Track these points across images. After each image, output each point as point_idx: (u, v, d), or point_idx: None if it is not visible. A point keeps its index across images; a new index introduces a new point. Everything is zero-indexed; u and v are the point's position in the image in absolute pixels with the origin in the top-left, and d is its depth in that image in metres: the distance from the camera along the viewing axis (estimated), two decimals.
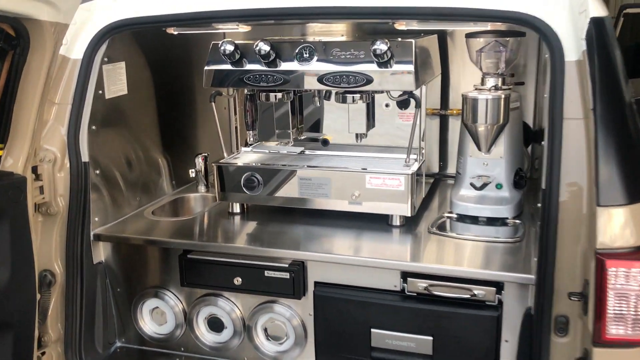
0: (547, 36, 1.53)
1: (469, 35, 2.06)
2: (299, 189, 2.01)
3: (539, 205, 1.60)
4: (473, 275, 1.67)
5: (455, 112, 2.46)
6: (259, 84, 1.96)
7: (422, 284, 1.73)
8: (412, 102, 1.97)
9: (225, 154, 2.15)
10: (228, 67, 1.98)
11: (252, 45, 1.91)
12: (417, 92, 1.92)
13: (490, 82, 2.02)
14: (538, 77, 2.36)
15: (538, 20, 1.53)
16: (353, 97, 1.93)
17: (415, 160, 2.03)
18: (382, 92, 1.94)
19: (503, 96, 1.90)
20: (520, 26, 1.60)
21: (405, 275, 1.75)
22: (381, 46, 1.78)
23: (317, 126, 2.29)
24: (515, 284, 1.67)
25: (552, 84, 1.53)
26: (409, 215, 1.94)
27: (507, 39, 2.00)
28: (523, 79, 2.29)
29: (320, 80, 1.89)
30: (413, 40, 1.86)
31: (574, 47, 1.51)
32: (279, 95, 2.01)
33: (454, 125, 2.51)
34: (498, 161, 2.02)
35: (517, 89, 2.10)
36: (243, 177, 2.06)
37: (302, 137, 2.24)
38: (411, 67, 1.83)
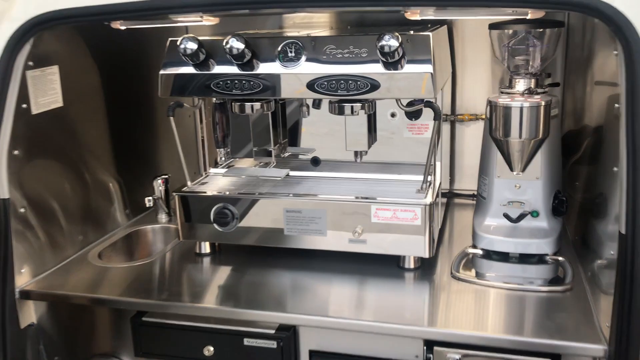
0: (621, 29, 1.13)
1: (494, 27, 1.65)
2: (285, 224, 1.59)
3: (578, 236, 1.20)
4: (522, 346, 1.26)
5: (467, 117, 2.05)
6: (230, 92, 1.52)
7: (454, 355, 1.32)
8: (425, 111, 1.56)
9: (188, 181, 1.70)
10: (190, 70, 1.54)
11: (221, 43, 1.47)
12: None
13: (521, 84, 1.61)
14: (566, 75, 1.97)
15: (610, 7, 1.13)
16: (352, 107, 1.51)
17: (430, 183, 1.61)
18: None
19: (543, 103, 1.50)
20: (583, 14, 1.19)
21: (430, 343, 1.33)
22: (391, 42, 1.36)
23: (303, 139, 1.86)
24: (579, 358, 1.27)
25: (631, 91, 1.13)
26: (427, 256, 1.53)
27: (542, 29, 1.60)
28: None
29: (311, 86, 1.47)
30: (430, 34, 1.44)
31: None
32: (257, 105, 1.58)
33: (463, 133, 2.11)
34: (533, 183, 1.62)
35: (552, 91, 1.70)
36: (213, 210, 1.62)
37: (287, 155, 1.81)
38: (429, 68, 1.41)
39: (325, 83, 1.46)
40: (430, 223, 1.50)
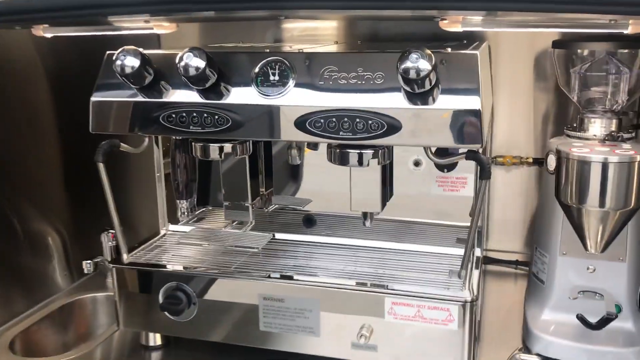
0: None
1: (559, 45, 1.20)
2: (262, 317, 1.12)
3: None
4: None
5: (509, 161, 1.58)
6: (187, 128, 1.07)
7: None
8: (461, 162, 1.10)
9: (123, 252, 1.23)
10: (130, 97, 1.09)
11: (174, 58, 1.02)
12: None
13: (597, 126, 1.15)
14: None
15: None
16: (360, 155, 1.05)
17: (470, 264, 1.13)
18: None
19: (639, 158, 1.03)
20: None
21: None
22: (420, 63, 0.90)
23: (294, 186, 1.40)
24: None
25: None
26: None
27: (632, 49, 1.14)
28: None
29: (301, 125, 1.01)
30: (477, 52, 0.98)
31: None
32: (227, 147, 1.12)
33: (497, 178, 1.64)
34: (615, 266, 1.14)
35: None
36: (162, 290, 1.16)
37: (271, 208, 1.35)
38: (475, 103, 0.95)
39: (322, 121, 1.00)
40: (472, 327, 1.03)
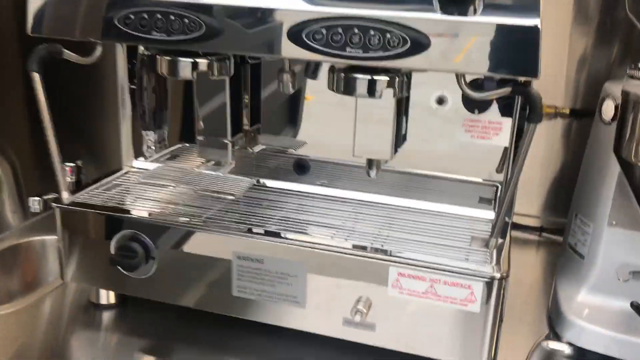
0: None
1: None
2: (235, 280, 0.91)
3: None
4: None
5: (544, 109, 1.34)
6: (148, 34, 0.82)
7: None
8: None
9: (63, 189, 0.99)
10: None
11: None
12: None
13: None
14: None
15: None
16: (372, 81, 0.81)
17: (501, 231, 0.90)
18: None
19: None
20: None
21: None
22: None
23: (289, 125, 1.16)
24: None
25: None
26: None
27: None
28: None
29: (296, 35, 0.76)
30: None
31: None
32: (202, 64, 0.88)
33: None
34: None
35: None
36: (114, 240, 0.94)
37: (257, 150, 1.11)
38: (535, 18, 0.70)
39: (324, 32, 0.75)
40: (497, 311, 0.81)
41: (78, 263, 0.99)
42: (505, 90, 0.77)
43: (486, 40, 0.71)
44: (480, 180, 1.04)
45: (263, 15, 0.78)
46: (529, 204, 1.43)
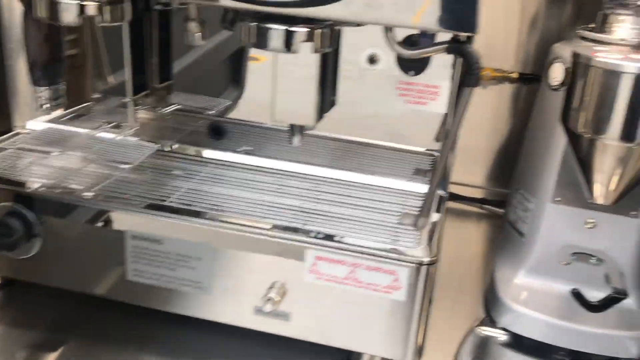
0: None
1: None
2: (130, 262, 0.79)
3: None
4: None
5: (490, 74, 1.24)
6: None
7: None
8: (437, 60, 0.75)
9: None
10: None
11: None
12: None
13: (626, 26, 0.81)
14: None
15: None
16: (290, 33, 0.68)
17: (432, 208, 0.81)
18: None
19: None
20: None
21: None
22: None
23: (223, 86, 1.03)
24: None
25: None
26: None
27: None
28: None
29: None
30: None
31: None
32: (91, 8, 0.74)
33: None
34: (624, 222, 0.85)
35: None
36: None
37: (167, 110, 0.98)
38: None
39: None
40: (425, 298, 0.72)
41: None
42: (440, 48, 0.66)
43: None
44: (416, 149, 0.95)
45: None
46: (472, 173, 1.35)
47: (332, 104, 0.87)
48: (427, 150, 0.94)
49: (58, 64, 0.95)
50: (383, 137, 0.97)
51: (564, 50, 0.82)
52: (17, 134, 0.98)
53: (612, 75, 0.70)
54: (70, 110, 1.00)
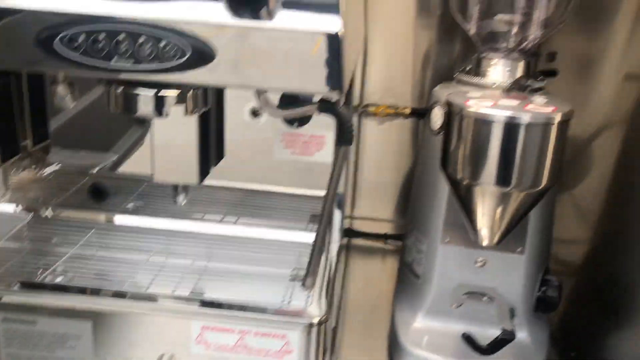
0: None
1: None
2: (3, 348, 0.72)
3: None
4: None
5: (383, 111, 1.26)
6: None
7: None
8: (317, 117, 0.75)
9: None
10: None
11: None
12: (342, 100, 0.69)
13: (500, 69, 0.84)
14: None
15: None
16: (160, 98, 0.66)
17: (319, 264, 0.79)
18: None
19: (558, 118, 0.73)
20: None
21: None
22: None
23: (85, 137, 0.98)
24: None
25: None
26: None
27: None
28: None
29: (46, 42, 0.59)
30: None
31: None
32: None
33: (368, 131, 1.32)
34: (511, 260, 0.87)
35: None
36: None
37: (47, 170, 0.92)
38: (335, 23, 0.59)
39: (82, 37, 0.59)
40: (319, 357, 0.70)
41: None
42: (311, 108, 0.66)
43: (281, 49, 0.59)
44: (310, 193, 0.94)
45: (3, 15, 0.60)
46: (378, 208, 1.36)
47: (220, 156, 0.85)
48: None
49: None
50: (278, 182, 0.95)
51: (442, 95, 0.84)
52: None
53: (483, 124, 0.72)
54: None
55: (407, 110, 1.27)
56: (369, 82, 1.29)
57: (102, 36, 0.59)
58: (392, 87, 1.27)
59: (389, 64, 1.26)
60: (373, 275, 1.19)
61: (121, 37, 0.59)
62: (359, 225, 1.31)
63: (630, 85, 0.91)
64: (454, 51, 1.25)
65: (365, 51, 1.24)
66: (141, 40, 0.59)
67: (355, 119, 1.27)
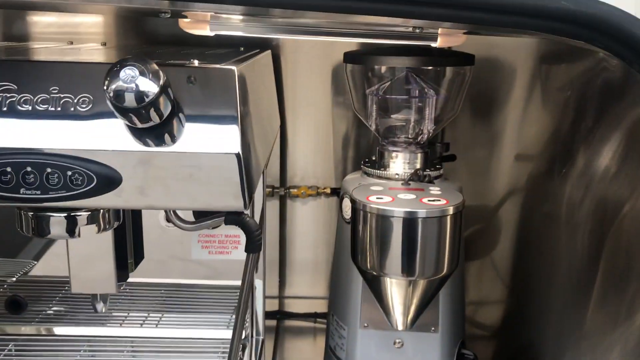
0: None
1: (352, 58, 0.94)
2: None
3: None
4: None
5: (305, 193, 1.31)
6: None
7: None
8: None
9: None
10: None
11: None
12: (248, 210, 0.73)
13: (398, 162, 0.91)
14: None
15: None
16: (72, 220, 0.68)
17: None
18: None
19: (451, 210, 0.80)
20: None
21: None
22: (141, 84, 0.56)
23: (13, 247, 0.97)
24: None
25: None
26: None
27: (439, 68, 0.91)
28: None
29: None
30: (234, 68, 0.67)
31: None
32: None
33: (296, 212, 1.36)
34: (426, 338, 0.91)
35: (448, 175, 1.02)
36: None
37: None
38: (234, 143, 0.63)
39: None
40: None
41: None
42: (218, 220, 0.69)
43: (185, 171, 0.63)
44: (232, 284, 0.97)
45: None
46: (308, 285, 1.39)
47: (140, 258, 0.86)
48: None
49: None
50: (202, 277, 0.97)
51: (351, 185, 0.90)
52: None
53: (384, 220, 0.78)
54: None
55: (327, 190, 1.32)
56: (290, 165, 1.34)
57: (7, 169, 0.61)
58: (313, 169, 1.33)
59: (308, 147, 1.32)
60: (304, 357, 1.21)
61: (28, 169, 0.61)
62: (289, 305, 1.34)
63: (524, 163, 1.00)
64: (371, 133, 1.32)
65: (284, 135, 1.30)
66: (48, 170, 0.61)
67: (277, 202, 1.31)
